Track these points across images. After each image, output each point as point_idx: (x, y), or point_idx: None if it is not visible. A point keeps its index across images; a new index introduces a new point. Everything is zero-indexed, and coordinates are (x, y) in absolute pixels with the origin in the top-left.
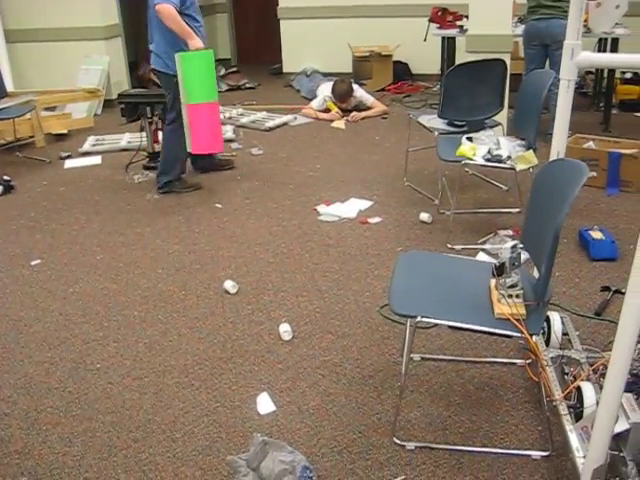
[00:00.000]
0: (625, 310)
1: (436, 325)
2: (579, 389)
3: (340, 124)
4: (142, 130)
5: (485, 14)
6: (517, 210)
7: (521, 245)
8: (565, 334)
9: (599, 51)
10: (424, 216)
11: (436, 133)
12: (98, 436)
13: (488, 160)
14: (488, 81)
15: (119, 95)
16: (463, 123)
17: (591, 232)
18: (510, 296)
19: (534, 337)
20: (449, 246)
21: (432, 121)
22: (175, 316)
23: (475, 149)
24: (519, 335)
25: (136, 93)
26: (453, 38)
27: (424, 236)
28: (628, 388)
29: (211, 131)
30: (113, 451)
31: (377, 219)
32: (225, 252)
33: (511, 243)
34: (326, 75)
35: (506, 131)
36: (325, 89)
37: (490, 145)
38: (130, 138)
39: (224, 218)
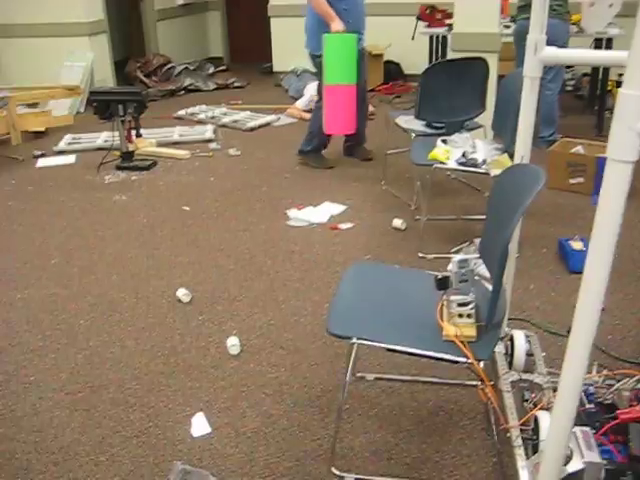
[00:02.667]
0: (576, 327)
1: None
2: (537, 418)
3: None
4: (114, 129)
5: (471, 11)
6: None
7: (478, 258)
8: (530, 354)
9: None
10: (397, 222)
11: (413, 135)
12: (17, 458)
13: (462, 164)
14: (468, 81)
15: (91, 92)
16: (442, 125)
17: (571, 242)
18: (460, 315)
19: (481, 363)
20: (420, 255)
21: (410, 122)
22: (122, 326)
23: (449, 152)
24: (464, 361)
25: (108, 90)
26: (444, 37)
27: (396, 243)
28: (588, 420)
29: (345, 113)
30: (28, 476)
31: (348, 225)
32: (185, 258)
33: (460, 257)
34: (316, 75)
35: (490, 134)
36: (312, 88)
37: (465, 148)
38: (107, 137)
39: (189, 221)
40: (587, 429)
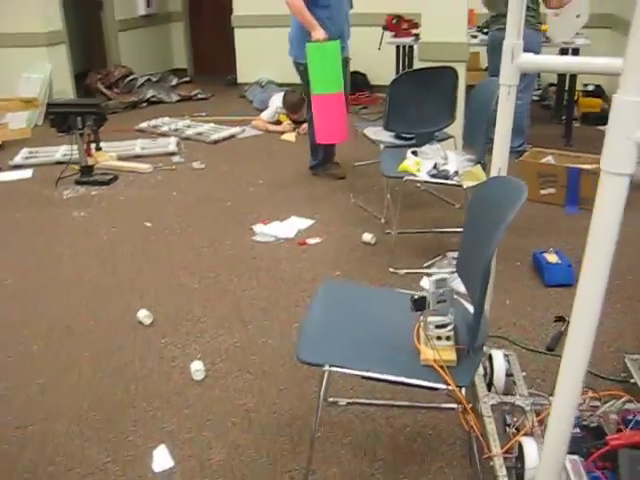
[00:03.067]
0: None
1: None
2: (520, 445)
3: (290, 137)
4: (73, 142)
5: (438, 21)
6: None
7: (455, 276)
8: (510, 375)
9: None
10: (367, 237)
11: (381, 146)
12: None
13: (433, 176)
14: (438, 90)
15: (48, 105)
16: (411, 136)
17: (546, 255)
18: (439, 338)
19: (462, 389)
20: (391, 270)
21: (378, 133)
22: (79, 351)
23: (420, 164)
24: (444, 387)
25: (66, 102)
26: (411, 47)
27: (365, 259)
28: (576, 447)
29: (335, 122)
30: None
31: (317, 240)
32: (146, 276)
33: (438, 276)
34: (281, 86)
35: (460, 145)
36: (277, 100)
37: (437, 159)
38: (66, 151)
39: (151, 237)
40: (576, 457)
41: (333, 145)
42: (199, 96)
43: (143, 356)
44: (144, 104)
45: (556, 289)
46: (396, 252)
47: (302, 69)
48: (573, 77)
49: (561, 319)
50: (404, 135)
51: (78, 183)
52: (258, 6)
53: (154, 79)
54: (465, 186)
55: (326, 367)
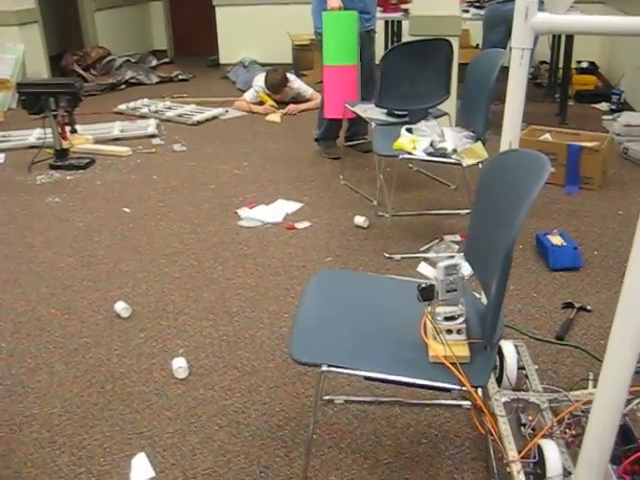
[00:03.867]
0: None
1: None
2: (540, 448)
3: (275, 117)
4: (46, 125)
5: None
6: (466, 212)
7: (462, 260)
8: (521, 368)
9: (554, 40)
10: (359, 220)
11: (373, 124)
12: None
13: (430, 154)
14: (432, 64)
15: (18, 85)
16: (404, 113)
17: (550, 237)
18: (449, 331)
19: (478, 390)
20: (386, 255)
21: (370, 111)
22: (51, 348)
23: (415, 142)
24: (458, 388)
25: (37, 82)
26: (400, 22)
27: (358, 243)
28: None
29: (345, 96)
30: None
31: (306, 224)
32: (124, 266)
33: (447, 262)
34: (265, 66)
35: (454, 122)
36: (260, 80)
37: (433, 137)
38: (40, 134)
39: (130, 225)
40: (609, 466)
41: (339, 122)
42: (180, 77)
43: (120, 352)
44: (123, 86)
45: (562, 273)
46: (390, 236)
47: (319, 39)
48: (568, 53)
49: (569, 305)
50: (397, 112)
51: (53, 167)
52: None
53: (133, 60)
54: (465, 164)
55: (324, 367)
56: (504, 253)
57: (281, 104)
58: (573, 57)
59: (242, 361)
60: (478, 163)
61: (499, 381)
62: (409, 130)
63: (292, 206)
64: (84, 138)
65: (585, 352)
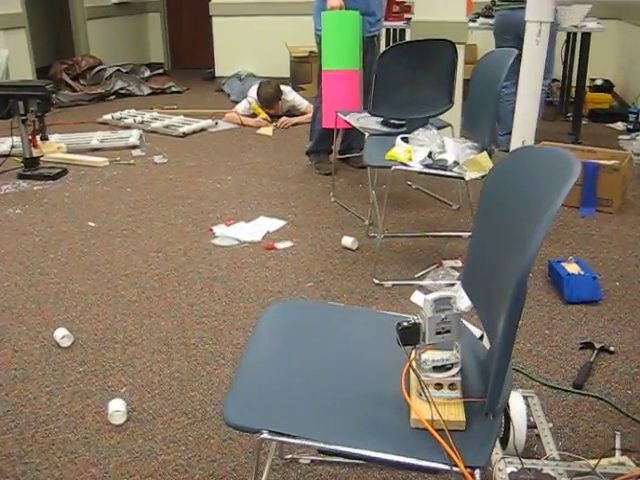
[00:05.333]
0: None
1: None
2: None
3: (267, 131)
4: (15, 131)
5: None
6: (469, 234)
7: (459, 292)
8: (532, 426)
9: (566, 56)
10: (347, 241)
11: (366, 134)
12: None
13: (428, 166)
14: (434, 68)
15: None
16: (402, 122)
17: (565, 264)
18: (438, 386)
19: (477, 473)
20: (376, 281)
21: (364, 120)
22: None
23: (411, 152)
24: (447, 469)
25: (5, 84)
26: (402, 30)
27: (345, 267)
28: None
29: (344, 104)
30: None
31: (287, 244)
32: (77, 286)
33: (437, 295)
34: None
35: (458, 135)
36: (254, 91)
37: (432, 147)
38: (16, 142)
39: (92, 240)
40: None
41: (332, 135)
42: (173, 89)
43: (52, 390)
44: (112, 97)
45: (579, 307)
46: (382, 259)
47: (319, 41)
48: (581, 70)
49: (589, 346)
50: (393, 121)
51: (21, 177)
52: None
53: (124, 70)
54: (467, 178)
55: (264, 434)
56: (516, 282)
57: (275, 117)
58: (587, 74)
59: (194, 405)
60: (483, 177)
61: (503, 443)
62: (405, 140)
63: (274, 224)
64: (56, 146)
65: (609, 404)
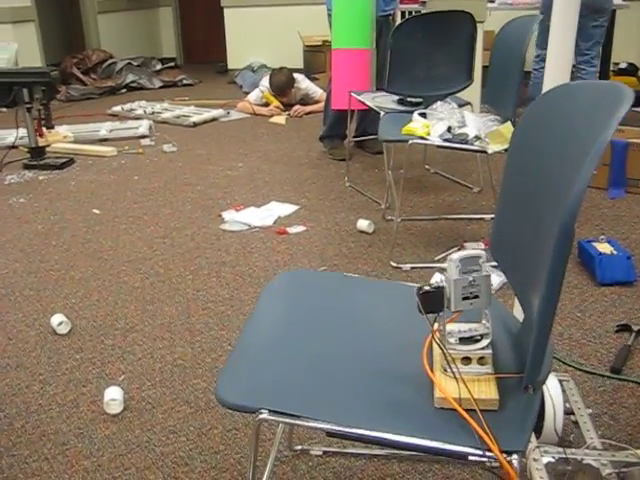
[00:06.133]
0: None
1: None
2: None
3: (280, 119)
4: (20, 120)
5: None
6: (491, 216)
7: (490, 260)
8: (570, 412)
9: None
10: (363, 224)
11: (382, 113)
12: None
13: (447, 140)
14: (452, 43)
15: None
16: (419, 101)
17: (596, 244)
18: (466, 360)
19: (514, 458)
20: (393, 264)
21: (379, 99)
22: None
23: (429, 127)
24: (480, 454)
25: (9, 71)
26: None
27: (360, 251)
28: None
29: (355, 84)
30: None
31: (300, 228)
32: (78, 273)
33: (462, 253)
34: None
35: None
36: (266, 80)
37: (451, 122)
38: (22, 133)
39: (96, 227)
40: None
41: (346, 118)
42: (184, 82)
43: (45, 378)
44: (123, 90)
45: (612, 288)
46: (399, 243)
47: (330, 20)
48: (605, 54)
49: (626, 328)
50: (410, 100)
51: (27, 167)
52: None
53: (135, 64)
54: (490, 151)
55: (263, 414)
56: (560, 229)
57: (288, 106)
58: (611, 58)
59: (196, 394)
60: (506, 150)
61: (537, 431)
62: (423, 115)
63: (286, 209)
64: (62, 135)
65: None
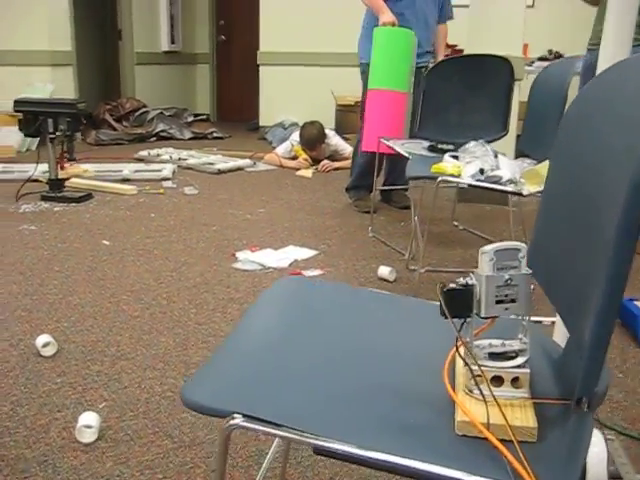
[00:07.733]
0: None
1: None
2: None
3: (307, 173)
4: (42, 151)
5: (489, 30)
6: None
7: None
8: (616, 477)
9: None
10: (385, 271)
11: (411, 157)
12: None
13: (479, 181)
14: (488, 89)
15: (15, 102)
16: (450, 147)
17: (639, 303)
18: (498, 380)
19: None
20: None
21: (409, 145)
22: None
23: (461, 168)
24: None
25: (36, 100)
26: None
27: None
28: None
29: (389, 128)
30: None
31: (317, 272)
32: (76, 298)
33: (497, 245)
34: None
35: None
36: (297, 134)
37: (484, 164)
38: (44, 167)
39: (103, 257)
40: None
41: (373, 170)
42: (214, 135)
43: (18, 399)
44: (152, 138)
45: None
46: (422, 293)
47: (363, 70)
48: None
49: None
50: (441, 146)
51: (44, 199)
52: (286, 43)
53: (167, 113)
54: (526, 192)
55: (236, 419)
56: (615, 243)
57: (316, 162)
58: None
59: (182, 428)
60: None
61: None
62: (455, 158)
63: (304, 253)
64: (82, 169)
65: None
